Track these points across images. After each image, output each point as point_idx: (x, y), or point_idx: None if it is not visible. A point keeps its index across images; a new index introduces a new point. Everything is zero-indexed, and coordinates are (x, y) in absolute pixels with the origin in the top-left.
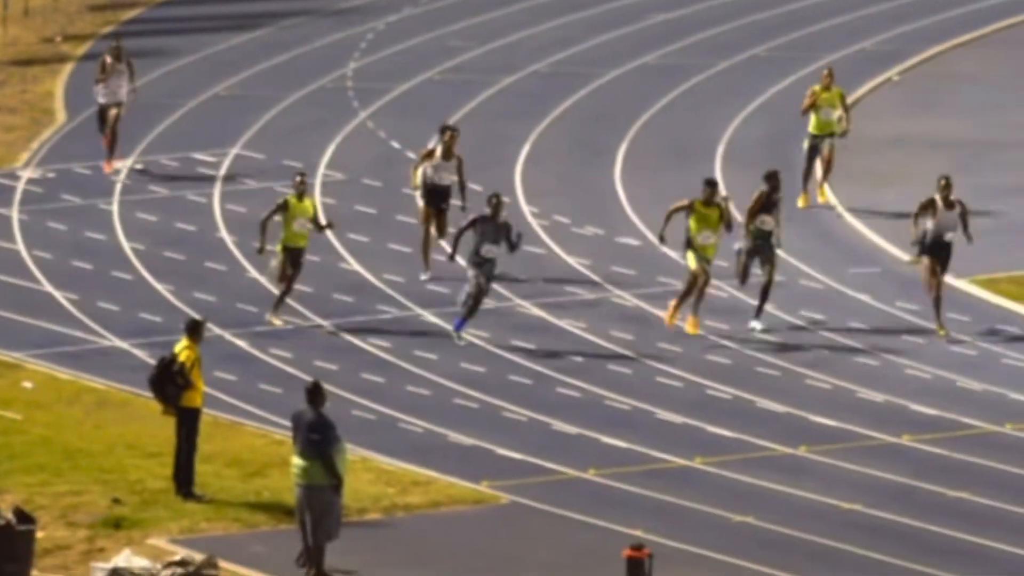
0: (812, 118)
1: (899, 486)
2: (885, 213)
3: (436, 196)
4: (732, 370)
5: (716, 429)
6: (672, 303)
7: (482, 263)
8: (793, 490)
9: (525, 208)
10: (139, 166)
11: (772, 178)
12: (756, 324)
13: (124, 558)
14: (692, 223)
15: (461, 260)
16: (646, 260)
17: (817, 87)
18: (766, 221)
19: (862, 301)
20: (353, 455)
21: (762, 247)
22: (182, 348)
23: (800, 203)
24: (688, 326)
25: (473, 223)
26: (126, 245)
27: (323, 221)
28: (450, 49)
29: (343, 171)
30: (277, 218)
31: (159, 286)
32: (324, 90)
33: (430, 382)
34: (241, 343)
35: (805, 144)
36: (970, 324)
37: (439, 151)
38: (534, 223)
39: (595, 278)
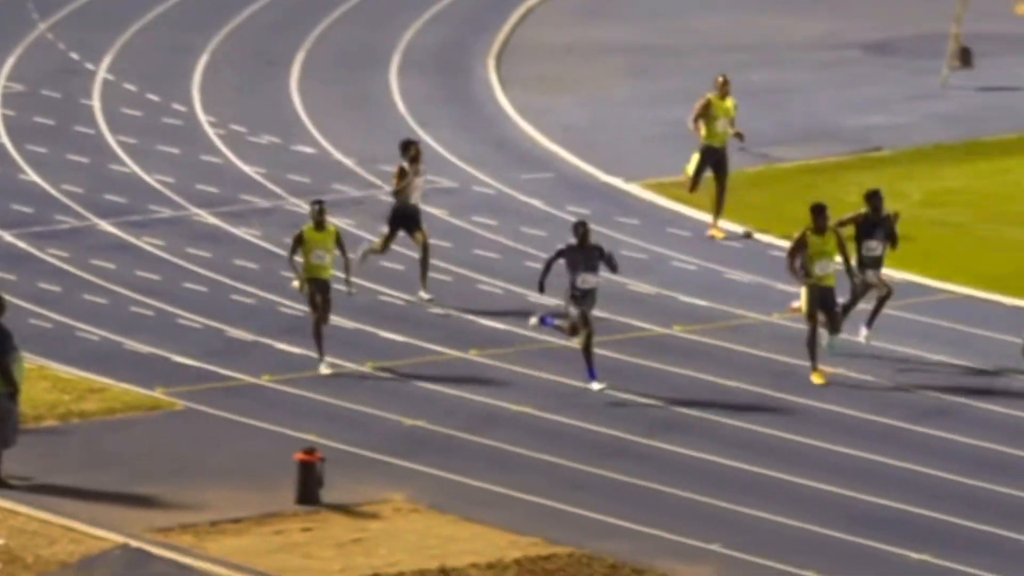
0: (704, 128)
1: (573, 389)
2: (558, 118)
3: (406, 219)
4: (405, 276)
5: (388, 334)
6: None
7: (583, 296)
8: (463, 393)
9: (203, 117)
10: None
11: (874, 198)
12: (865, 331)
13: None
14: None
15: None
16: (321, 168)
17: (712, 95)
18: (871, 247)
19: (534, 206)
20: (29, 363)
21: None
22: None
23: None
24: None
25: (560, 254)
26: None
27: (351, 254)
28: None
29: (22, 83)
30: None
31: None
32: (2, 1)
33: (107, 291)
34: None
35: (694, 158)
36: (641, 228)
37: (409, 169)
38: (211, 132)
39: (271, 186)
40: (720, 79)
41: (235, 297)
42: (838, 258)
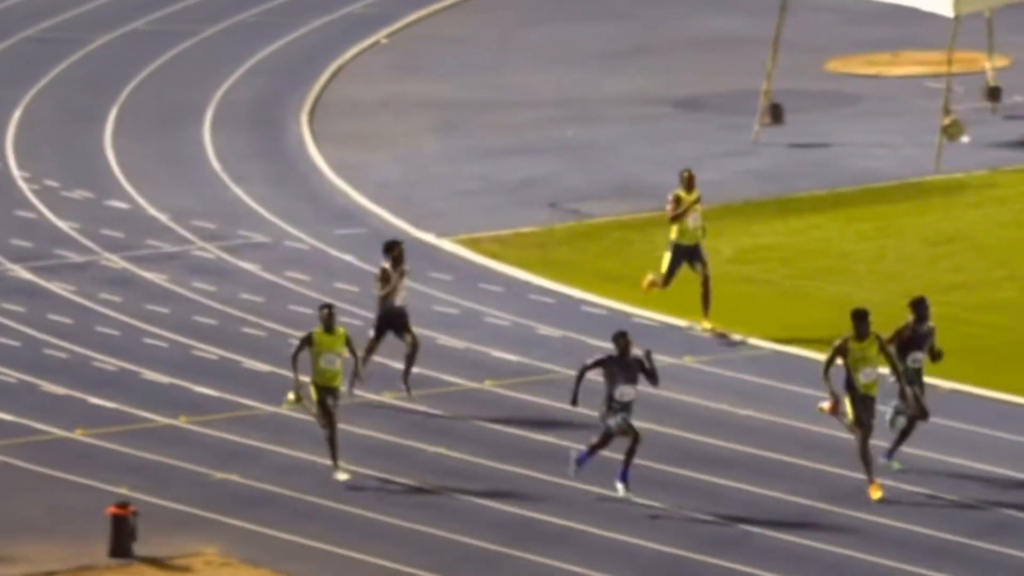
0: (677, 225)
1: (383, 444)
2: (371, 174)
3: (393, 321)
4: (219, 331)
5: (201, 389)
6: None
7: (621, 408)
8: (276, 447)
9: (16, 172)
10: None
11: (920, 306)
12: (894, 463)
13: None
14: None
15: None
16: (135, 223)
17: (680, 191)
18: (916, 358)
19: (347, 261)
20: None
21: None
22: None
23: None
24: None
25: (600, 364)
26: None
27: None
28: None
29: None
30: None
31: None
32: None
33: None
34: None
35: (667, 256)
36: (453, 283)
37: (391, 270)
38: (25, 187)
39: (84, 241)
40: (685, 174)
41: (48, 351)
42: (882, 368)
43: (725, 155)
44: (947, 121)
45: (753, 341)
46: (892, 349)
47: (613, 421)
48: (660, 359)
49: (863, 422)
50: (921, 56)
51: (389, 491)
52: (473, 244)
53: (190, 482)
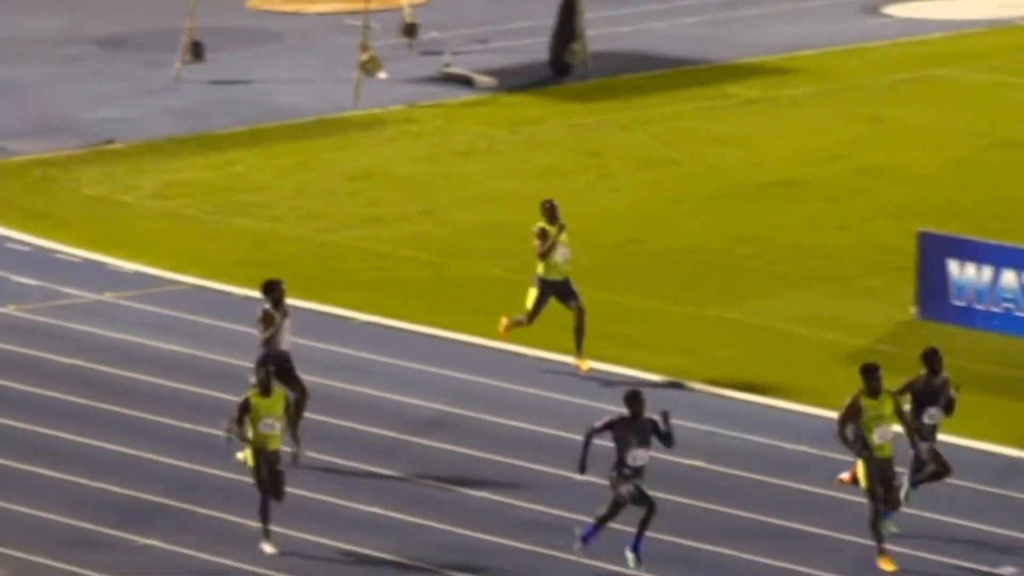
0: (541, 262)
1: None
2: None
3: (280, 366)
4: None
5: None
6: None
7: (634, 474)
8: None
9: None
10: None
11: (933, 358)
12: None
13: None
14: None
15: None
16: None
17: (544, 224)
18: (932, 414)
19: None
20: None
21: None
22: None
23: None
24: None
25: (609, 427)
26: None
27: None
28: None
29: None
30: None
31: None
32: None
33: None
34: None
35: (533, 293)
36: None
37: (275, 313)
38: None
39: None
40: (547, 204)
41: None
42: (896, 427)
43: (147, 93)
44: (365, 57)
45: (175, 276)
46: (907, 408)
47: (625, 489)
48: (81, 296)
49: (876, 494)
50: None
51: None
52: None
53: None
